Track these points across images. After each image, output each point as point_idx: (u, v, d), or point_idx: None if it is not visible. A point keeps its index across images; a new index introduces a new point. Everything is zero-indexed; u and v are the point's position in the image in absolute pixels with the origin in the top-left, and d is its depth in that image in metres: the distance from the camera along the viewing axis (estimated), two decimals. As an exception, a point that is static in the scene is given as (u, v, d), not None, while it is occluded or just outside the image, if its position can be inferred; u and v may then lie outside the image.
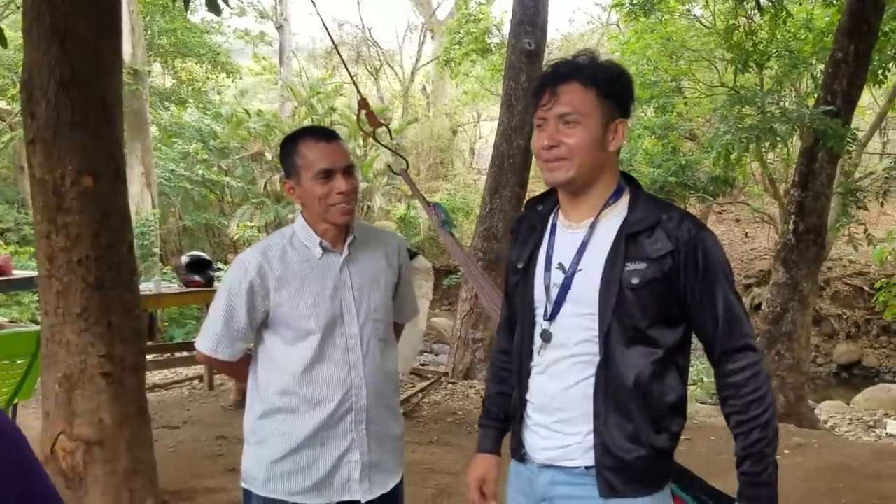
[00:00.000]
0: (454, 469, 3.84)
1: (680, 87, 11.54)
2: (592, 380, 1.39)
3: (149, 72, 13.61)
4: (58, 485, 2.92)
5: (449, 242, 2.76)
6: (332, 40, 5.09)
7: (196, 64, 16.38)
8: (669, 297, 1.39)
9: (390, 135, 3.31)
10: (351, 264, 1.75)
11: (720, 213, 15.00)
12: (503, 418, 1.61)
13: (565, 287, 1.43)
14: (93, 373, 2.90)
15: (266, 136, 14.03)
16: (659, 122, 10.84)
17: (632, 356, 1.38)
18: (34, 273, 6.60)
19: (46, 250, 2.90)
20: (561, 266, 1.45)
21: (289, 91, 15.82)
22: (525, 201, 1.49)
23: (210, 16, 15.19)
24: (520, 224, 1.59)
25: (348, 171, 1.71)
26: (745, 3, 7.86)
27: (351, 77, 3.56)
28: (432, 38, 20.26)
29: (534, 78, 6.71)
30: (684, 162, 10.82)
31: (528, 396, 1.49)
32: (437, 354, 9.85)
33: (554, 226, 1.50)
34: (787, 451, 4.19)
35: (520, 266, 1.52)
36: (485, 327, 6.35)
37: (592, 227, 1.44)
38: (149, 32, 13.90)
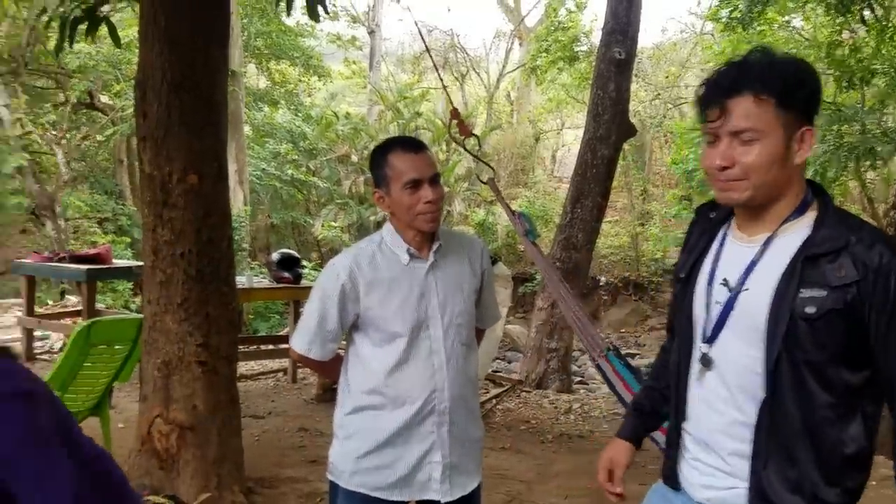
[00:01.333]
0: (526, 477, 3.84)
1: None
2: (755, 418, 1.25)
3: (244, 73, 14.18)
4: (152, 465, 3.11)
5: (532, 252, 2.78)
6: (426, 45, 5.18)
7: (289, 66, 16.97)
8: (852, 333, 1.20)
9: (479, 144, 3.35)
10: (436, 270, 1.80)
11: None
12: (647, 412, 1.56)
13: (728, 306, 1.29)
14: (189, 361, 3.07)
15: (353, 139, 14.38)
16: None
17: (803, 396, 1.22)
18: (131, 262, 7.03)
19: (152, 243, 3.08)
20: (725, 282, 1.30)
21: (376, 95, 16.16)
22: (698, 206, 1.47)
23: (304, 19, 15.68)
24: (690, 231, 1.46)
25: (435, 180, 1.76)
26: (848, 18, 7.51)
27: (443, 87, 3.64)
28: (520, 44, 20.27)
29: (622, 89, 6.62)
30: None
31: (685, 425, 1.38)
32: (509, 362, 9.82)
33: (725, 236, 1.35)
34: None
35: (682, 275, 1.40)
36: (560, 337, 6.31)
37: (767, 243, 1.27)
38: (245, 34, 14.47)
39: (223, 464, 3.09)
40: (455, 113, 2.69)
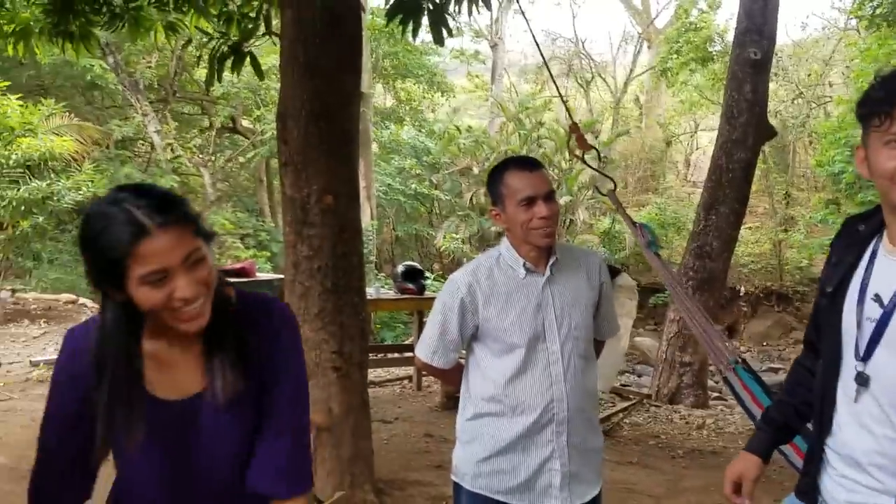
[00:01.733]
0: (654, 492, 3.79)
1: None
2: None
3: (372, 94, 14.80)
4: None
5: (656, 264, 2.77)
6: (542, 55, 5.24)
7: (414, 84, 17.53)
8: None
9: (599, 158, 3.37)
10: (553, 284, 1.86)
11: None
12: (779, 426, 1.55)
13: (882, 324, 1.26)
14: (325, 366, 3.30)
15: (474, 152, 14.62)
16: (905, 132, 9.70)
17: None
18: (271, 276, 7.52)
19: (293, 258, 3.34)
20: (878, 298, 1.26)
21: (498, 107, 16.33)
22: (845, 219, 1.45)
23: (429, 37, 16.20)
24: (836, 244, 1.43)
25: (549, 196, 1.83)
26: None
27: (562, 99, 3.69)
28: (648, 47, 19.81)
29: (759, 90, 6.32)
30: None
31: (830, 442, 1.37)
32: (639, 376, 9.57)
33: (875, 252, 1.32)
34: None
35: (828, 290, 1.37)
36: (694, 351, 6.07)
37: None
38: (374, 56, 15.11)
39: (356, 463, 3.28)
40: (574, 127, 2.74)
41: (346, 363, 3.30)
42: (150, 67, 12.92)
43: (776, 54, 15.45)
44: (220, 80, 4.22)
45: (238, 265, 6.86)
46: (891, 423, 1.25)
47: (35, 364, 6.40)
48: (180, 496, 1.26)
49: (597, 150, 3.09)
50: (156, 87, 13.55)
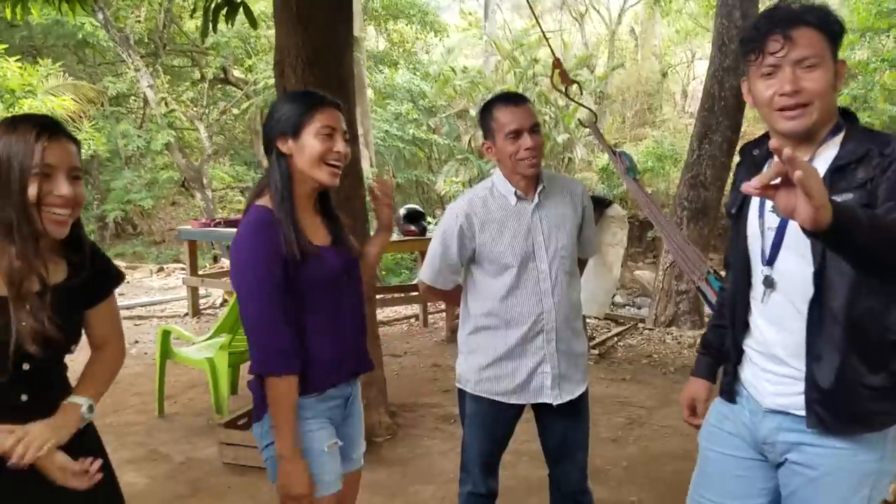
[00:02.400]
0: (646, 404, 4.07)
1: (925, 12, 10.19)
2: (807, 316, 1.38)
3: (364, 37, 14.66)
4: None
5: (633, 187, 2.94)
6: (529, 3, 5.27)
7: (406, 25, 17.32)
8: None
9: (581, 91, 3.52)
10: (541, 210, 2.07)
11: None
12: (717, 347, 1.68)
13: (781, 229, 1.41)
14: (336, 302, 3.52)
15: (470, 93, 14.57)
16: (900, 53, 9.69)
17: (845, 292, 1.34)
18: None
19: (298, 202, 3.52)
20: (774, 209, 1.32)
21: (492, 45, 16.19)
22: (741, 147, 1.59)
23: (419, -22, 15.91)
24: (737, 170, 1.60)
25: (534, 129, 2.01)
26: None
27: (545, 37, 3.79)
28: (642, -24, 19.45)
29: (749, 15, 6.36)
30: (929, 97, 9.62)
31: (749, 342, 1.51)
32: (639, 308, 9.81)
33: (759, 165, 1.49)
34: None
35: (733, 211, 1.53)
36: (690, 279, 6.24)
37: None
38: (364, -3, 14.90)
39: (370, 389, 3.53)
40: (556, 62, 2.88)
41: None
42: (139, 21, 12.81)
43: (770, -23, 15.21)
44: (214, 31, 4.30)
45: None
46: (801, 317, 1.39)
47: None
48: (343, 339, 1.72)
49: (578, 83, 3.22)
50: (145, 41, 13.45)
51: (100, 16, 11.47)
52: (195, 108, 14.16)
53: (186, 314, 6.86)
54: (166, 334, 3.98)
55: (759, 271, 1.47)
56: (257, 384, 1.64)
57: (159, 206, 15.60)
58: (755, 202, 1.49)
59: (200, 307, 7.00)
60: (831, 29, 1.37)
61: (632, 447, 3.48)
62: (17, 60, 8.85)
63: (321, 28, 3.37)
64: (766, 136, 1.50)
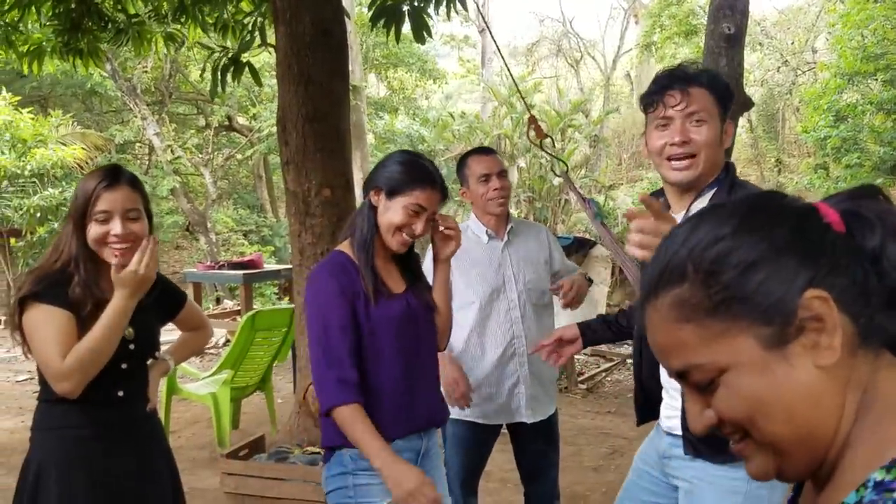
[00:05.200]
0: (628, 435, 4.25)
1: (911, 58, 10.55)
2: None
3: (365, 86, 15.12)
4: (308, 424, 3.81)
5: (601, 231, 3.17)
6: (498, 48, 5.58)
7: (406, 72, 17.85)
8: None
9: (553, 143, 3.79)
10: (510, 247, 2.35)
11: (964, 192, 13.32)
12: (596, 328, 1.93)
13: None
14: (332, 339, 3.74)
15: (468, 137, 14.93)
16: (888, 96, 10.00)
17: None
18: (279, 266, 7.98)
19: (298, 246, 3.79)
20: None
21: (489, 92, 16.65)
22: (640, 198, 1.74)
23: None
24: None
25: (501, 174, 2.33)
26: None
27: (519, 91, 4.06)
28: (636, 23, 20.04)
29: (734, 63, 6.69)
30: (919, 140, 9.91)
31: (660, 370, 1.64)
32: (629, 345, 9.98)
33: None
34: None
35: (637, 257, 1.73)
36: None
37: (688, 211, 1.58)
38: (364, 47, 15.41)
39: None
40: (531, 119, 3.16)
41: (350, 335, 3.75)
42: (145, 72, 13.27)
43: (760, 24, 15.70)
44: (223, 89, 4.63)
45: (247, 258, 7.30)
46: None
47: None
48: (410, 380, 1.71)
49: (551, 137, 3.49)
50: (152, 90, 13.90)
51: (108, 66, 11.91)
52: (200, 155, 14.53)
53: (191, 353, 7.05)
54: (173, 371, 4.19)
55: None
56: (328, 424, 1.66)
57: (164, 250, 15.87)
58: None
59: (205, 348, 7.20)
60: (721, 92, 1.56)
61: (612, 475, 3.67)
62: (28, 111, 9.23)
63: (320, 86, 3.68)
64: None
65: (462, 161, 2.40)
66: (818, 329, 0.58)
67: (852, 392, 0.59)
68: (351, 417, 1.59)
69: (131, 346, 1.69)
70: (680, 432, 1.59)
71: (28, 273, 1.66)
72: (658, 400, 1.71)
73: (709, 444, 1.52)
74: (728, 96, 1.59)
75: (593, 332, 1.95)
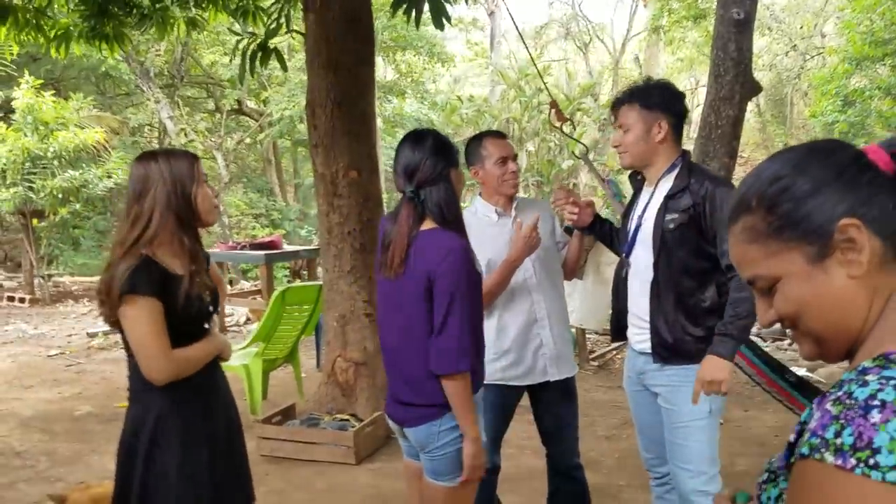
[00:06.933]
0: (639, 407, 4.45)
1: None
2: (649, 291, 2.17)
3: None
4: (335, 393, 4.02)
5: (620, 211, 3.36)
6: (519, 31, 5.72)
7: (414, 56, 17.89)
8: (699, 237, 2.09)
9: (574, 128, 3.97)
10: (518, 220, 2.50)
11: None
12: (599, 225, 2.49)
13: (636, 230, 2.22)
14: (359, 313, 3.95)
15: (476, 121, 15.03)
16: (895, 81, 10.08)
17: (672, 276, 2.10)
18: (297, 247, 8.16)
19: (326, 225, 3.98)
20: (637, 215, 2.24)
21: (498, 75, 16.72)
22: (629, 174, 2.36)
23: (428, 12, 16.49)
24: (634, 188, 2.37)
25: (514, 158, 2.53)
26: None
27: (539, 73, 4.22)
28: (644, 6, 19.98)
29: (743, 48, 6.78)
30: (926, 124, 10.00)
31: (632, 307, 2.26)
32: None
33: (641, 188, 2.30)
34: None
35: (620, 217, 2.39)
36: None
37: (654, 190, 2.21)
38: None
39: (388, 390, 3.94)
40: (553, 103, 3.34)
41: (376, 310, 3.94)
42: (158, 55, 13.39)
43: (768, 9, 15.68)
44: (252, 75, 4.79)
45: (267, 239, 7.51)
46: (644, 292, 2.15)
47: (92, 335, 7.11)
48: None
49: (571, 121, 3.67)
50: (164, 73, 14.03)
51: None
52: (212, 139, 14.68)
53: (214, 331, 7.29)
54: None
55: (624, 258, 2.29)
56: (435, 385, 1.84)
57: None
58: (633, 212, 2.27)
59: (227, 325, 7.44)
60: (652, 101, 2.15)
61: (623, 443, 3.88)
62: (52, 95, 9.40)
63: (347, 72, 3.85)
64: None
65: (476, 141, 2.53)
66: (850, 248, 0.75)
67: (879, 297, 0.76)
68: (465, 384, 1.83)
69: (210, 308, 1.92)
70: (650, 349, 2.18)
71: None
72: (625, 325, 2.30)
73: (671, 350, 2.13)
74: (665, 98, 2.17)
75: (601, 225, 2.49)
